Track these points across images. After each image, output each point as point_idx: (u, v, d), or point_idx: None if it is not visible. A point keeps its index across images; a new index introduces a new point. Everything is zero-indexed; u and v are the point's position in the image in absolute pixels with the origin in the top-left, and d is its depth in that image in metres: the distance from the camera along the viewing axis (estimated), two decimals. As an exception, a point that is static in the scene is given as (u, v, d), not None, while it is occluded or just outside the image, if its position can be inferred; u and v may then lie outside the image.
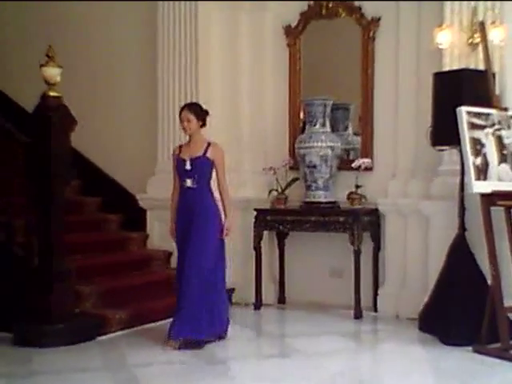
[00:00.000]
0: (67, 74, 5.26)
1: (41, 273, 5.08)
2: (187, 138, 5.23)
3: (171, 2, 6.57)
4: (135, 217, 6.76)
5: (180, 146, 5.23)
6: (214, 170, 5.13)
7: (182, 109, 5.16)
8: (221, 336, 5.10)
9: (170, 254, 6.53)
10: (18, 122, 5.93)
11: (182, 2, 6.53)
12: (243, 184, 6.64)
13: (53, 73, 5.06)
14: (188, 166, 5.05)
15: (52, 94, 5.08)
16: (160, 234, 6.56)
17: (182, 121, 5.11)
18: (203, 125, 5.17)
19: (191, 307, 4.87)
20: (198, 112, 5.13)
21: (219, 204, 5.19)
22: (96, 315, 5.28)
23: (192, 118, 5.07)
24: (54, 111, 5.05)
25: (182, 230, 5.08)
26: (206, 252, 4.96)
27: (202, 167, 5.08)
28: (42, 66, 5.06)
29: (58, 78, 5.10)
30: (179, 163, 5.11)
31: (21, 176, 5.36)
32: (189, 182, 5.05)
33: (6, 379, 4.20)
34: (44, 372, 4.38)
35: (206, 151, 5.09)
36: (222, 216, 5.15)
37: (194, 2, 6.49)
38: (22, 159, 5.41)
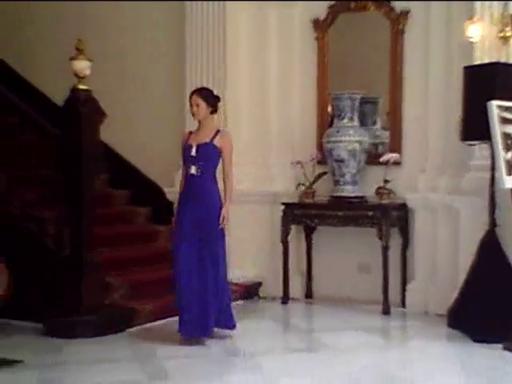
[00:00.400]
0: (97, 69, 5.31)
1: (71, 265, 5.15)
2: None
3: (199, 2, 6.58)
4: (163, 210, 6.79)
5: (190, 133, 5.08)
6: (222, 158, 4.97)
7: (192, 93, 5.01)
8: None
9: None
10: (48, 116, 6.01)
11: (210, 2, 6.54)
12: (271, 178, 6.64)
13: (82, 66, 5.10)
14: (193, 153, 4.88)
15: (82, 87, 5.12)
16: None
17: (191, 105, 4.96)
18: (214, 111, 5.01)
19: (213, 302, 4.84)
20: (208, 97, 4.96)
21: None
22: (125, 307, 5.33)
23: (201, 102, 4.90)
24: (83, 104, 5.09)
25: (187, 218, 4.87)
26: (217, 246, 4.87)
27: (208, 154, 4.89)
28: (71, 59, 5.11)
29: (88, 72, 5.15)
30: (186, 149, 4.94)
31: (51, 169, 5.42)
32: (193, 169, 4.88)
33: (37, 369, 4.26)
34: (74, 362, 4.44)
35: (213, 138, 4.92)
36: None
37: (221, 2, 6.50)
38: (52, 152, 5.48)
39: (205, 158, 4.88)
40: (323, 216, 6.15)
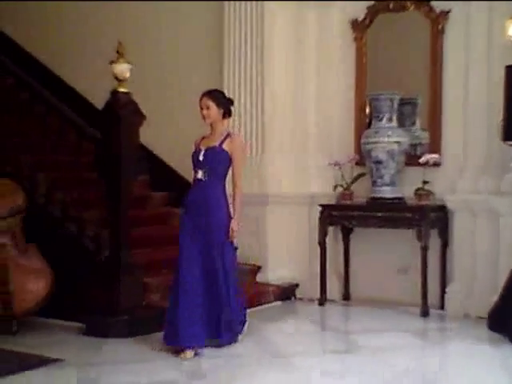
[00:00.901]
0: (136, 71, 5.36)
1: (109, 265, 5.21)
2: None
3: (237, 2, 6.61)
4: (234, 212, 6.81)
5: (203, 138, 4.87)
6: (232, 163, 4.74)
7: (202, 95, 4.78)
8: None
9: (236, 248, 6.57)
10: (88, 118, 6.09)
11: (249, 2, 6.56)
12: (308, 179, 6.63)
13: (122, 69, 5.16)
14: (201, 157, 4.69)
15: (121, 89, 5.18)
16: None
17: (201, 108, 4.74)
18: (227, 114, 4.80)
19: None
20: (219, 99, 4.75)
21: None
22: (163, 308, 5.36)
23: (211, 104, 4.69)
24: (123, 107, 5.15)
25: (190, 224, 4.68)
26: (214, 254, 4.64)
27: (215, 159, 4.68)
28: (112, 62, 5.17)
29: (128, 74, 5.20)
30: (196, 153, 4.77)
31: (91, 171, 5.49)
32: (200, 174, 4.67)
33: (77, 368, 4.32)
34: (112, 362, 4.48)
35: (222, 142, 4.71)
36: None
37: (259, 2, 6.51)
38: (92, 154, 5.55)
39: (212, 163, 4.68)
40: (361, 217, 6.11)
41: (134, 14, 7.46)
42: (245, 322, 4.95)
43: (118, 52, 5.18)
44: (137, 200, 5.57)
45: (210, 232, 4.64)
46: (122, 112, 5.13)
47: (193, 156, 4.78)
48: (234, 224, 4.71)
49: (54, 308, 5.28)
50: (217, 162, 4.70)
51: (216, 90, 4.88)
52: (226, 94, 4.89)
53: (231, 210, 4.80)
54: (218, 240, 4.66)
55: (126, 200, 5.16)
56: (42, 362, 4.38)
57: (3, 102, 6.09)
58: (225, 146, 4.70)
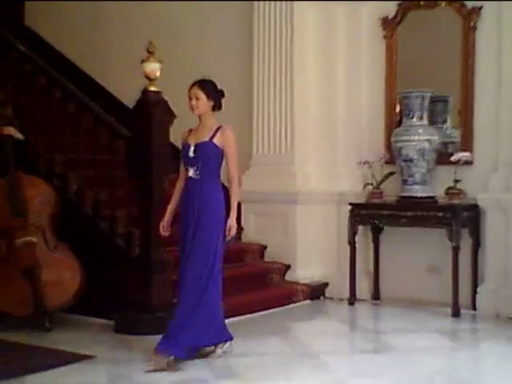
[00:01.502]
0: (165, 70, 5.38)
1: (141, 263, 5.24)
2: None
3: (267, 1, 6.61)
4: (228, 208, 6.81)
5: (190, 130, 4.54)
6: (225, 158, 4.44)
7: (192, 85, 4.46)
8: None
9: (265, 247, 6.59)
10: (119, 117, 6.13)
11: (278, 1, 6.55)
12: (338, 178, 6.61)
13: (153, 68, 5.19)
14: (191, 153, 4.36)
15: (152, 88, 5.20)
16: (255, 227, 6.64)
17: (189, 98, 4.42)
18: (216, 107, 4.47)
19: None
20: (210, 90, 4.41)
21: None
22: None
23: (201, 95, 4.37)
24: (154, 106, 5.17)
25: (183, 226, 4.39)
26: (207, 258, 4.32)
27: (207, 154, 4.36)
28: (142, 61, 5.20)
29: (158, 73, 5.23)
30: (184, 149, 4.43)
31: (122, 169, 5.53)
32: (191, 172, 4.36)
33: (108, 364, 4.37)
34: (142, 359, 4.49)
35: (213, 136, 4.38)
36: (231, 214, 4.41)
37: (289, 1, 6.50)
38: (123, 153, 5.59)
39: (204, 159, 4.35)
40: (391, 216, 6.07)
41: (165, 14, 7.50)
42: (226, 340, 4.53)
43: (148, 51, 5.20)
44: (168, 198, 5.58)
45: (201, 230, 4.31)
46: (153, 111, 5.15)
47: (182, 152, 4.45)
48: (231, 221, 4.37)
49: (85, 305, 5.33)
50: (210, 157, 4.37)
51: (208, 81, 4.49)
52: (218, 86, 4.50)
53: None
54: (209, 238, 4.32)
55: (157, 198, 5.18)
56: (74, 358, 4.43)
57: (36, 100, 6.15)
58: (216, 140, 4.38)
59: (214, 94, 4.45)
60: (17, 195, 5.26)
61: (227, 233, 4.37)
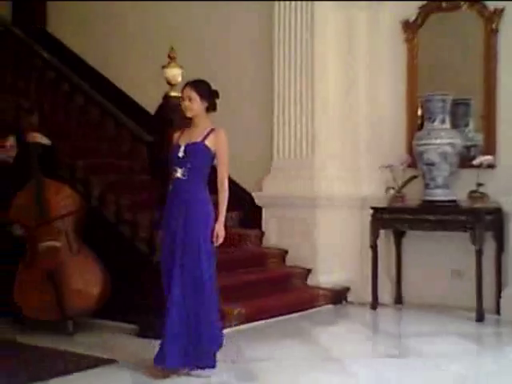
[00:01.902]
0: (186, 75, 5.41)
1: (162, 267, 5.24)
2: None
3: (287, 2, 6.61)
4: (251, 214, 6.84)
5: (182, 131, 4.40)
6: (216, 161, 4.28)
7: (185, 85, 4.34)
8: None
9: (286, 251, 6.59)
10: (141, 122, 6.18)
11: (299, 2, 6.56)
12: (359, 182, 6.58)
13: (174, 73, 5.21)
14: (181, 153, 4.21)
15: (173, 94, 5.23)
16: (276, 231, 6.64)
17: (182, 99, 4.31)
18: (210, 108, 4.33)
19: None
20: (203, 91, 4.27)
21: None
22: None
23: (195, 96, 4.23)
24: (175, 111, 5.19)
25: (170, 229, 4.23)
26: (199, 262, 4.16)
27: (197, 155, 4.21)
28: (163, 67, 5.23)
29: (180, 79, 5.25)
30: (174, 149, 4.29)
31: (144, 174, 5.56)
32: (179, 172, 4.19)
33: (131, 369, 4.38)
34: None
35: (205, 137, 4.23)
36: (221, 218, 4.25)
37: (309, 3, 6.50)
38: (145, 158, 5.62)
39: (193, 160, 4.20)
40: (414, 220, 6.03)
41: (185, 18, 7.53)
42: (214, 352, 4.27)
43: (169, 57, 5.23)
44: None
45: (187, 232, 4.16)
46: (174, 116, 5.17)
47: (171, 152, 4.30)
48: (219, 227, 4.20)
49: (108, 309, 5.36)
50: (199, 158, 4.22)
51: (201, 81, 4.35)
52: (212, 86, 4.35)
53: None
54: (195, 241, 4.16)
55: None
56: (97, 362, 4.46)
57: (59, 106, 6.22)
58: (208, 142, 4.23)
59: (208, 94, 4.30)
60: (41, 200, 5.31)
61: (214, 239, 4.21)
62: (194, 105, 4.26)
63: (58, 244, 5.30)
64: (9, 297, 5.26)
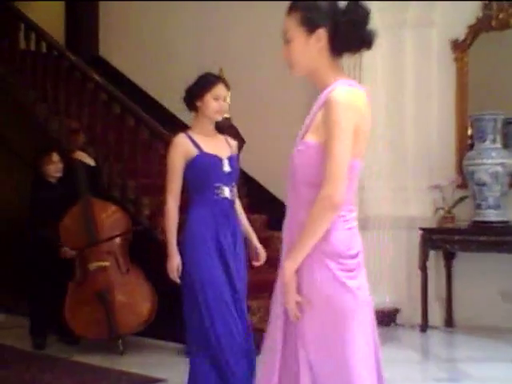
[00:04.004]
0: (234, 96, 5.46)
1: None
2: (208, 125, 3.75)
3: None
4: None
5: (189, 137, 3.66)
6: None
7: (217, 81, 3.73)
8: None
9: (334, 272, 6.54)
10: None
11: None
12: (407, 202, 6.52)
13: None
14: (227, 167, 3.61)
15: (226, 116, 5.27)
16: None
17: (216, 98, 3.66)
18: None
19: None
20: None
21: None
22: (262, 329, 5.37)
23: (228, 97, 3.75)
24: (224, 132, 5.23)
25: (220, 259, 3.60)
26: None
27: (237, 172, 3.73)
28: (213, 88, 5.28)
29: (228, 99, 5.30)
30: (213, 161, 3.58)
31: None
32: (226, 191, 3.59)
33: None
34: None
35: (230, 147, 3.74)
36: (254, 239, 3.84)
37: (358, 23, 6.50)
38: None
39: (235, 177, 3.69)
40: (464, 241, 5.94)
41: (234, 40, 7.62)
42: None
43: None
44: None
45: (239, 261, 3.72)
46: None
47: (203, 165, 3.56)
48: (259, 244, 3.81)
49: (157, 328, 5.41)
50: (237, 175, 3.73)
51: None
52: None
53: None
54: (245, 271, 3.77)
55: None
56: (146, 381, 4.51)
57: (110, 128, 6.35)
58: (235, 151, 3.79)
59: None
60: (90, 220, 5.41)
61: (261, 257, 3.82)
62: (227, 106, 3.76)
63: (107, 264, 5.38)
64: (60, 316, 5.36)
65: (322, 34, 2.36)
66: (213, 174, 3.58)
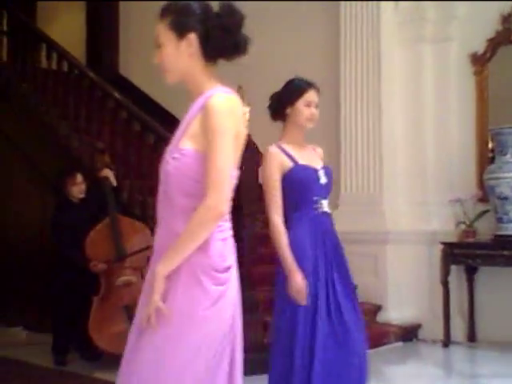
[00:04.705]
0: (254, 113, 5.49)
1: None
2: (299, 135, 3.49)
3: (353, 39, 6.66)
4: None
5: (280, 147, 3.40)
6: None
7: (309, 86, 3.44)
8: None
9: (355, 287, 6.51)
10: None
11: (365, 38, 6.59)
12: (428, 216, 6.49)
13: (243, 112, 5.29)
14: (323, 179, 3.36)
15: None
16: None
17: (308, 105, 3.39)
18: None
19: None
20: None
21: None
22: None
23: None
24: (244, 149, 5.26)
25: (319, 277, 3.32)
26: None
27: (332, 181, 3.47)
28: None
29: (248, 116, 5.34)
30: (309, 172, 3.35)
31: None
32: (325, 205, 3.33)
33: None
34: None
35: (319, 156, 3.55)
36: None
37: (376, 38, 6.53)
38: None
39: (330, 189, 3.44)
40: (486, 256, 5.89)
41: (252, 57, 7.64)
42: None
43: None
44: (258, 238, 5.63)
45: (343, 278, 3.47)
46: (244, 155, 5.23)
47: (299, 177, 3.32)
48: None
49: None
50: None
51: None
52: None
53: None
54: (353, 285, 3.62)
55: (249, 240, 5.24)
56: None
57: (131, 146, 6.41)
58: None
59: None
60: (118, 236, 5.45)
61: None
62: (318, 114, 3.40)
63: (133, 279, 5.41)
64: (82, 331, 5.38)
65: (192, 38, 2.31)
66: (311, 187, 3.33)
